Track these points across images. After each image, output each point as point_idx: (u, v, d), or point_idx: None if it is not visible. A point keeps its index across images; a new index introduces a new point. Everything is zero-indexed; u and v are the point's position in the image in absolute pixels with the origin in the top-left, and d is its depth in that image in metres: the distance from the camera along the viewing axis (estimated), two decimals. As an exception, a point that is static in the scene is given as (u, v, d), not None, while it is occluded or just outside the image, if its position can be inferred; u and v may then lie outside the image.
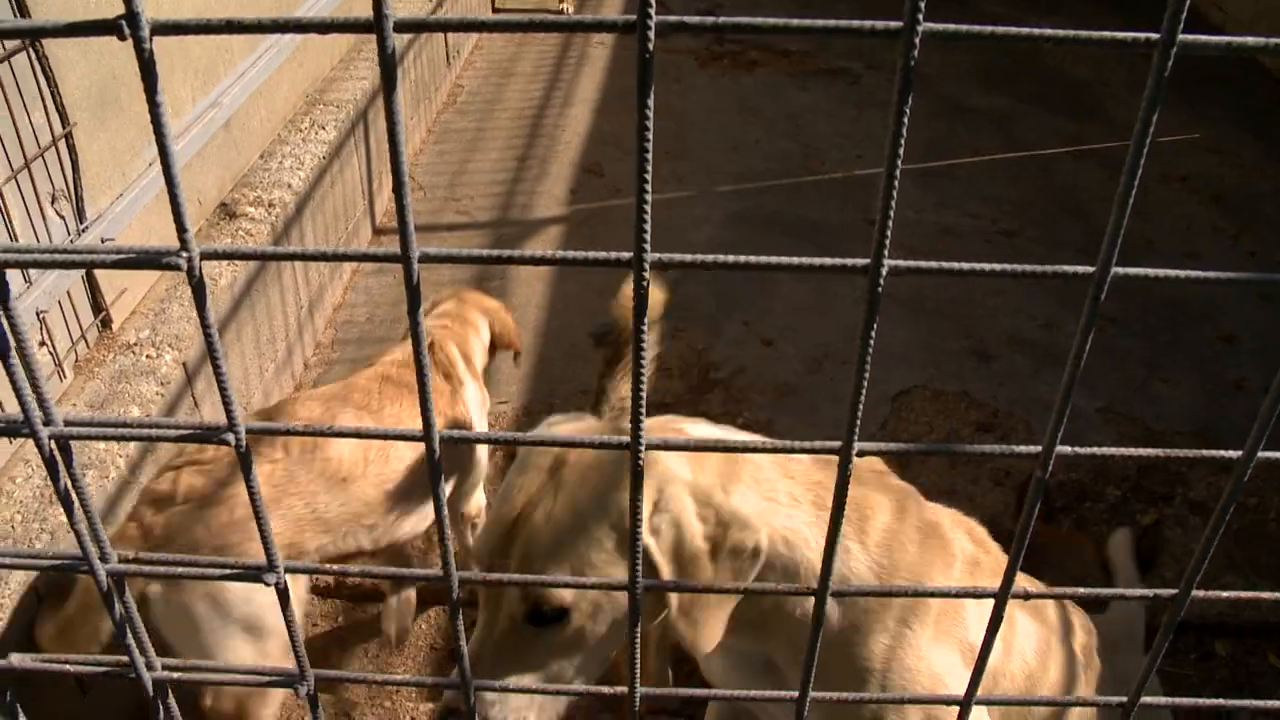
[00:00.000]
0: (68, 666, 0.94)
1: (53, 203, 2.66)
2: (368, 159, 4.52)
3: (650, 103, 0.65)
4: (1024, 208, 4.89)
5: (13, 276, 2.51)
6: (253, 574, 0.87)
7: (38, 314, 2.55)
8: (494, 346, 2.98)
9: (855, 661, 1.53)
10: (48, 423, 0.80)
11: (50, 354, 2.68)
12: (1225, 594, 0.85)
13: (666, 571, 1.41)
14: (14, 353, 0.75)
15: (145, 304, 3.07)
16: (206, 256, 0.71)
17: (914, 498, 1.66)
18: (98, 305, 2.89)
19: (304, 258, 0.72)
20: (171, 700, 0.97)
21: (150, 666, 0.93)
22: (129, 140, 2.98)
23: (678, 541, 1.40)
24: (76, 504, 0.85)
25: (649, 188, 0.68)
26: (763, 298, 4.19)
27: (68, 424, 0.81)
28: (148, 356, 2.86)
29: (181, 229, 0.68)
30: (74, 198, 2.73)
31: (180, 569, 0.90)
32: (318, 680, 0.93)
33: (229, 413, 0.77)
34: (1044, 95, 5.93)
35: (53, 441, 0.81)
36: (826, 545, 0.79)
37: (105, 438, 0.82)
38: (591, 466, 1.42)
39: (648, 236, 0.70)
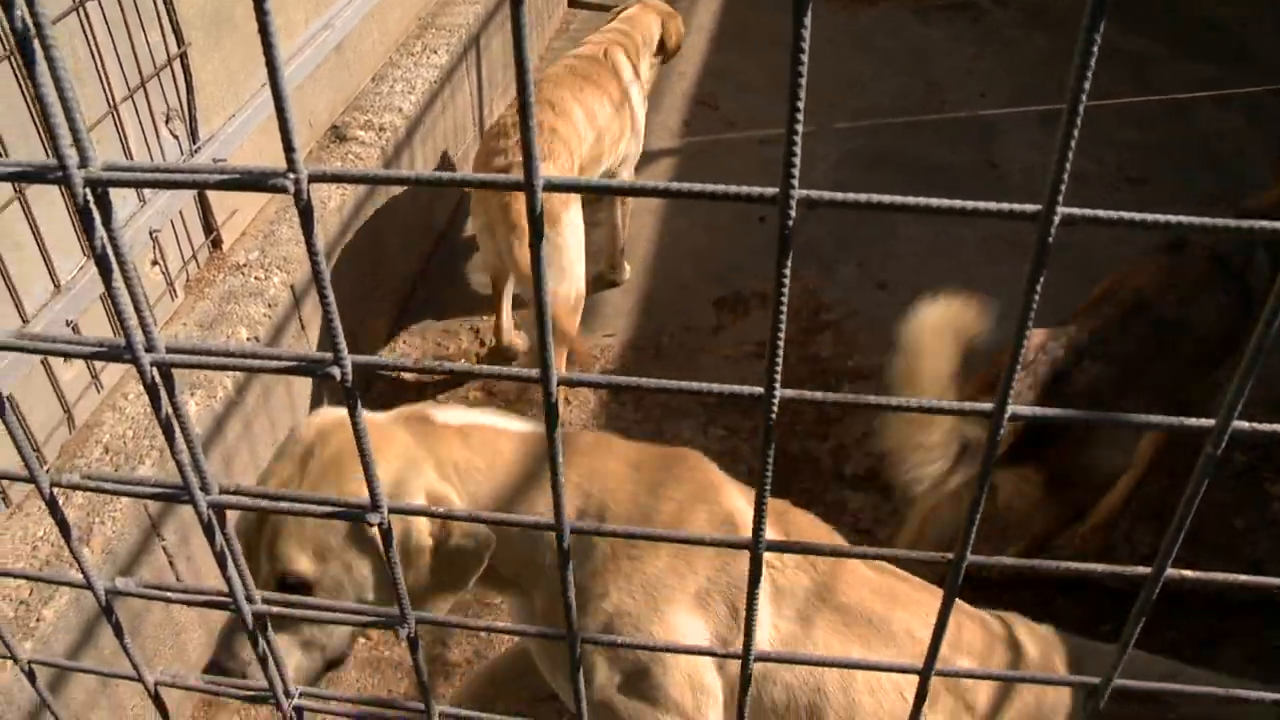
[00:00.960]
0: (169, 595, 0.93)
1: (167, 122, 2.66)
2: (479, 84, 4.47)
3: (807, 31, 0.57)
4: (1155, 155, 4.65)
5: (127, 195, 2.53)
6: (356, 513, 0.84)
7: (151, 233, 2.57)
8: (663, 47, 3.89)
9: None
10: (150, 349, 0.77)
11: (162, 273, 2.70)
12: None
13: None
14: (118, 276, 0.72)
15: (255, 225, 3.08)
16: (315, 179, 0.66)
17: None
18: (209, 225, 2.90)
19: (414, 182, 0.67)
20: (272, 634, 0.95)
21: (250, 599, 0.90)
22: (242, 60, 2.97)
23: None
24: (178, 432, 0.82)
25: (799, 122, 0.61)
26: (881, 239, 4.06)
27: (170, 351, 0.78)
28: (256, 278, 2.87)
29: (289, 149, 0.63)
30: (187, 117, 2.73)
31: (283, 504, 0.87)
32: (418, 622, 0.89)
33: (334, 343, 0.73)
34: (1184, 37, 5.62)
35: (154, 369, 0.78)
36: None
37: (207, 366, 0.78)
38: (331, 461, 1.59)
39: (795, 173, 0.63)
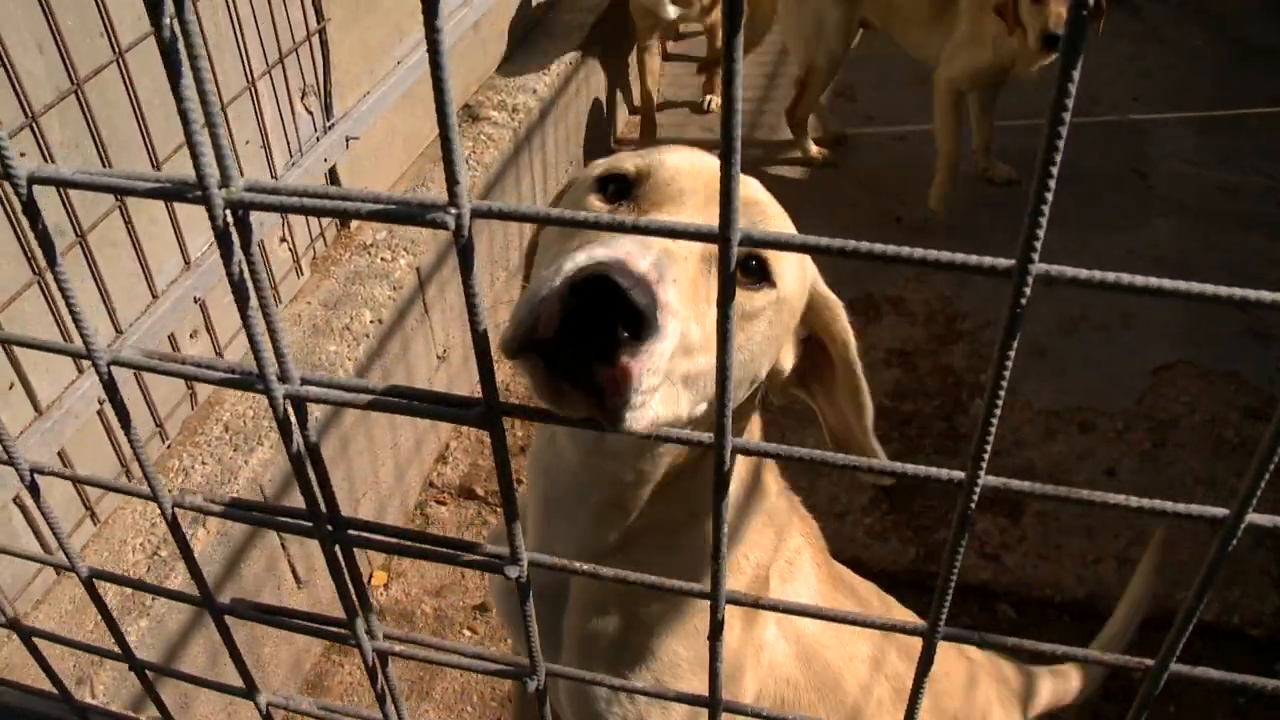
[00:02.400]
0: (289, 620, 0.87)
1: (303, 98, 2.64)
2: (613, 68, 4.40)
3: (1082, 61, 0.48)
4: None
5: (260, 172, 2.51)
6: (495, 565, 0.77)
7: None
8: None
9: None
10: (284, 379, 0.71)
11: (290, 251, 2.69)
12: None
13: None
14: (254, 304, 0.66)
15: (384, 205, 3.05)
16: (478, 215, 0.58)
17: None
18: (339, 203, 2.87)
19: (572, 224, 0.58)
20: (391, 670, 0.89)
21: (371, 634, 0.84)
22: (379, 37, 2.94)
23: None
24: (309, 468, 0.77)
25: (1048, 197, 0.52)
26: (1017, 246, 3.88)
27: (305, 383, 0.72)
28: (383, 259, 2.84)
29: (453, 180, 0.56)
30: (323, 94, 2.71)
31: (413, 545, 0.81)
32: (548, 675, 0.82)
33: (487, 392, 0.66)
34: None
35: (287, 401, 0.72)
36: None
37: (345, 403, 0.72)
38: None
39: (1038, 245, 0.54)
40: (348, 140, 2.75)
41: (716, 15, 4.04)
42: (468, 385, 3.31)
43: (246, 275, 0.64)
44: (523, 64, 3.75)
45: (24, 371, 1.85)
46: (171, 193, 0.62)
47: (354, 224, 2.94)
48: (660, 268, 0.88)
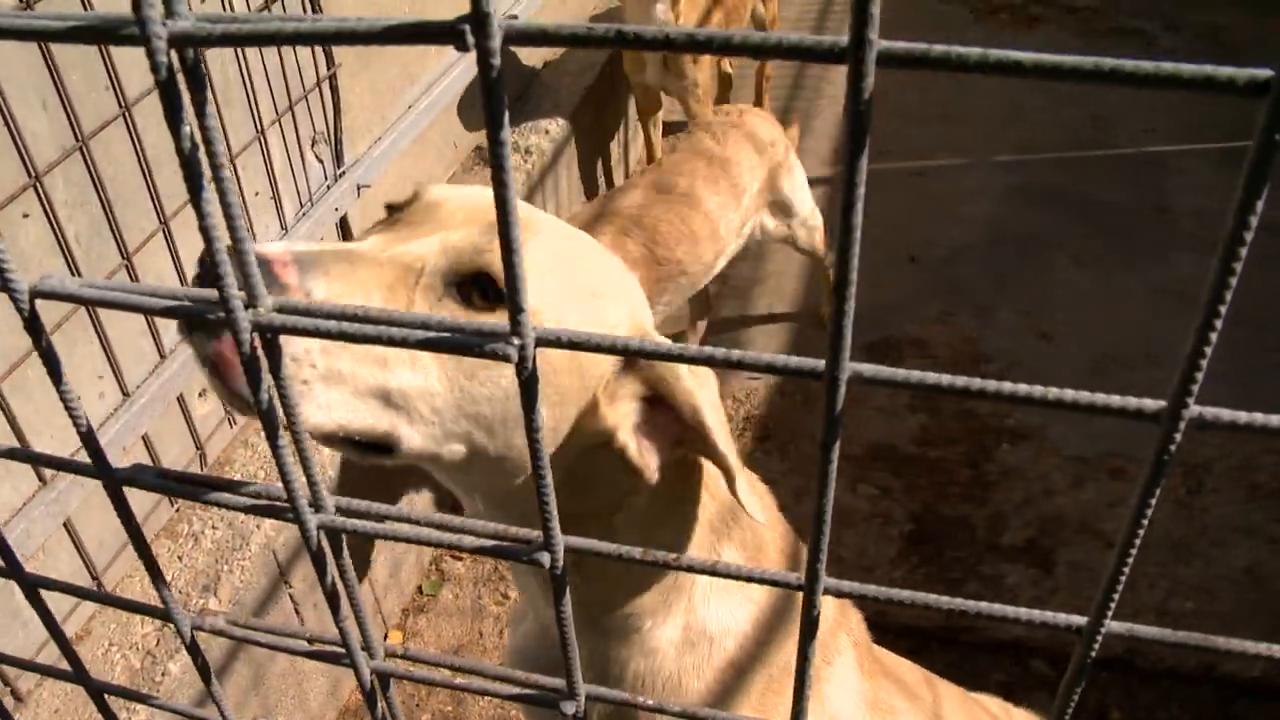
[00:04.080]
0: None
1: (313, 146, 2.57)
2: (626, 106, 4.34)
3: None
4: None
5: (270, 223, 2.44)
6: (548, 700, 0.70)
7: (292, 262, 2.48)
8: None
9: None
10: (317, 509, 0.64)
11: (301, 301, 2.62)
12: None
13: None
14: (283, 433, 0.59)
15: (396, 252, 2.98)
16: (543, 343, 0.51)
17: None
18: (350, 252, 2.81)
19: (653, 355, 0.51)
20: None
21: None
22: (389, 80, 2.88)
23: None
24: (343, 593, 0.70)
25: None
26: (1040, 284, 3.81)
27: (340, 512, 0.65)
28: (395, 308, 2.77)
29: (517, 307, 0.49)
30: (333, 141, 2.64)
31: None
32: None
33: (547, 528, 0.59)
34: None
35: (321, 532, 0.65)
36: None
37: (384, 535, 0.65)
38: None
39: (1195, 390, 0.47)
40: (359, 188, 2.68)
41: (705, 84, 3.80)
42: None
43: (276, 403, 0.57)
44: (534, 102, 3.69)
45: (26, 440, 1.77)
46: (191, 313, 0.55)
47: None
48: (306, 260, 0.92)
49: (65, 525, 1.88)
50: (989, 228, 4.11)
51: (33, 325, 0.58)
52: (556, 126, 3.54)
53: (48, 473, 1.82)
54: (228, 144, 2.23)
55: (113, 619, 2.01)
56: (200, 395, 2.24)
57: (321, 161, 2.61)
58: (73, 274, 1.84)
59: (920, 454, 3.17)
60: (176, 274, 2.11)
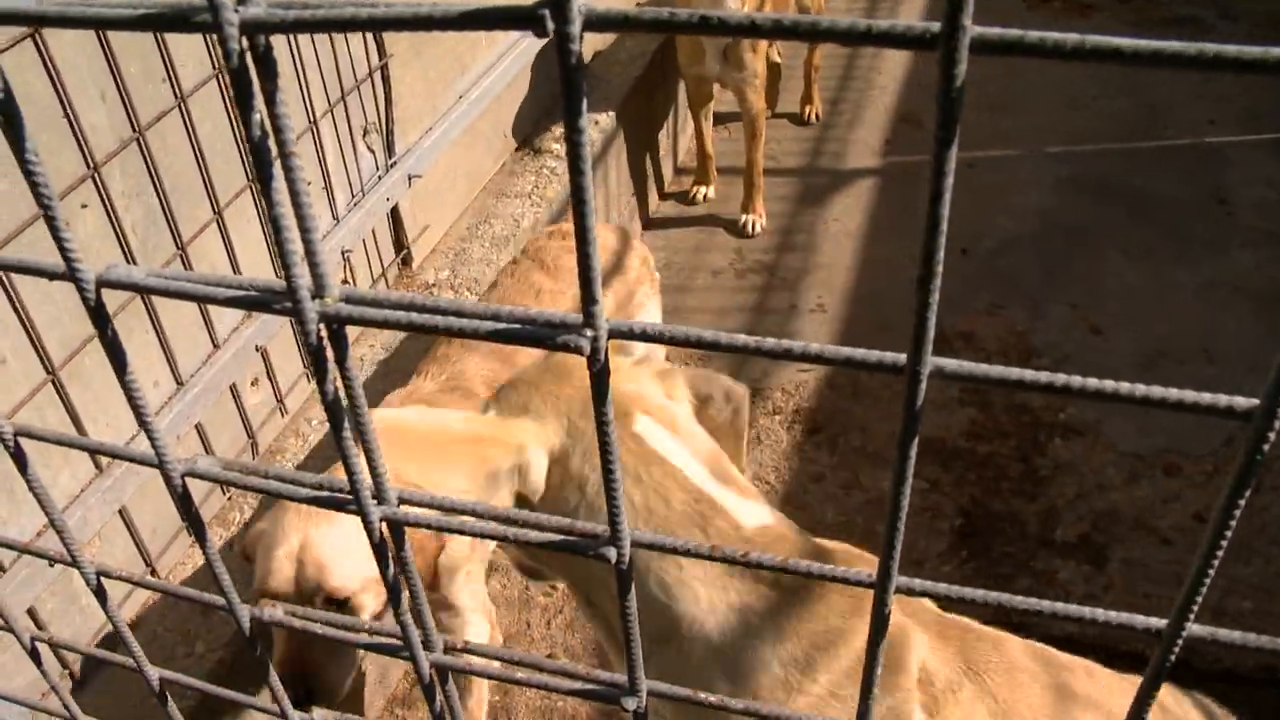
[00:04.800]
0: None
1: (364, 136, 2.58)
2: (676, 96, 4.32)
3: None
4: None
5: (320, 213, 2.45)
6: (610, 695, 0.69)
7: (343, 253, 2.49)
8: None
9: None
10: (380, 500, 0.63)
11: (352, 292, 2.63)
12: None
13: None
14: (348, 425, 0.59)
15: (445, 242, 2.99)
16: (615, 335, 0.50)
17: None
18: (399, 243, 2.82)
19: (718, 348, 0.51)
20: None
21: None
22: (441, 70, 2.88)
23: None
24: (405, 593, 0.69)
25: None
26: (1092, 276, 3.75)
27: (402, 502, 0.64)
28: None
29: (590, 299, 0.48)
30: (384, 131, 2.65)
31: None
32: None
33: (615, 523, 0.58)
34: None
35: (383, 524, 0.65)
36: None
37: (445, 528, 0.64)
38: None
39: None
40: (410, 178, 2.69)
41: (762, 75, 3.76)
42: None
43: (342, 395, 0.57)
44: (587, 93, 3.68)
45: (83, 427, 1.79)
46: (257, 303, 0.55)
47: (415, 263, 2.88)
48: None
49: (120, 512, 1.90)
50: (1040, 219, 4.05)
51: (98, 315, 0.58)
52: (606, 118, 3.53)
53: (104, 460, 1.84)
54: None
55: (167, 605, 2.03)
56: (253, 384, 2.26)
57: (373, 151, 2.62)
58: (129, 263, 1.86)
59: (970, 448, 3.13)
60: (230, 263, 2.12)
